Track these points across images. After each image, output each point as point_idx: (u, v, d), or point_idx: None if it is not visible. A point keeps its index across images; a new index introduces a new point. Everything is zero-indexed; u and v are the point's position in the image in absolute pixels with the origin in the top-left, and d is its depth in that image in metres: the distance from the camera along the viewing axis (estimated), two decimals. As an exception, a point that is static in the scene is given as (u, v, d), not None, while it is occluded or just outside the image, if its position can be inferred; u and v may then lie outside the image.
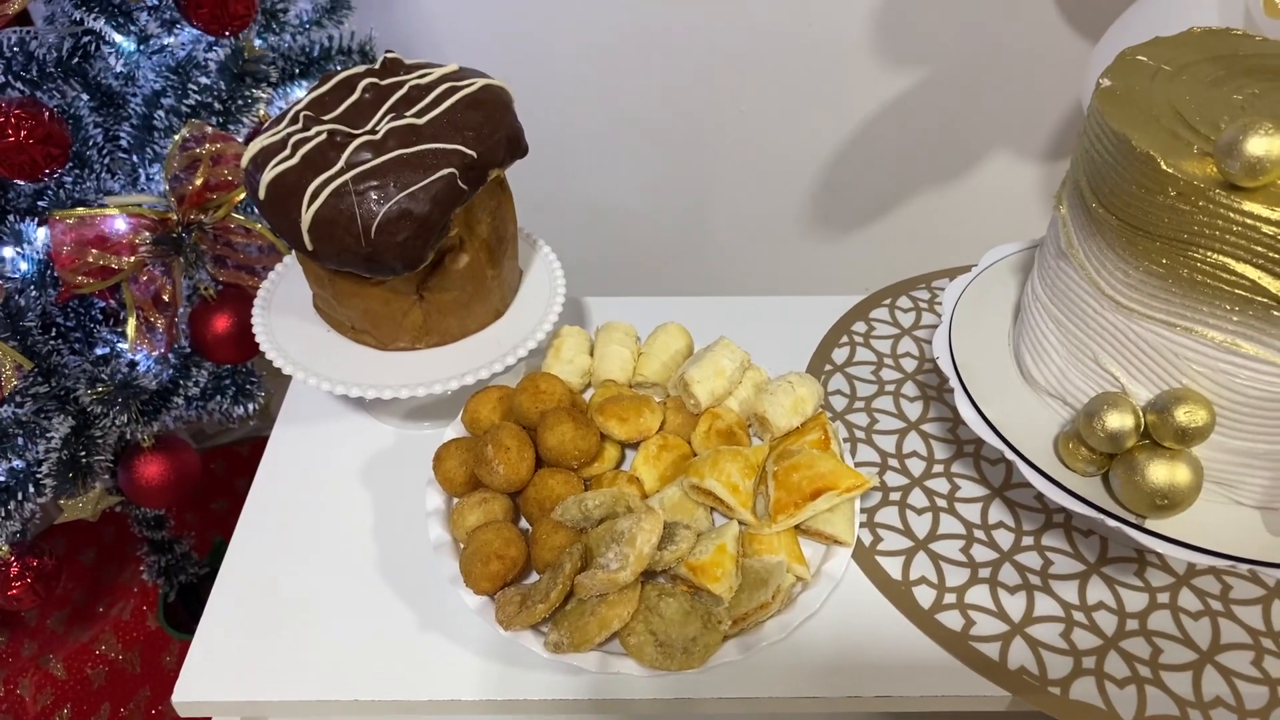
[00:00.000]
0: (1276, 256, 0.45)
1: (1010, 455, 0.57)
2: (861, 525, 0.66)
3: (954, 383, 0.61)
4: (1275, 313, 0.46)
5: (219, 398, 1.03)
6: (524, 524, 0.64)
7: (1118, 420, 0.51)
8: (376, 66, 0.67)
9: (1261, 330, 0.48)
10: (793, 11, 1.42)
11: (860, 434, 0.74)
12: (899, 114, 1.55)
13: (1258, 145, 0.44)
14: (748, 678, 0.58)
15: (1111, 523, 0.53)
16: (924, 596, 0.62)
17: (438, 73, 0.65)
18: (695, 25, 1.46)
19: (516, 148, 0.65)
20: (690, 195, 1.65)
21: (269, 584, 0.64)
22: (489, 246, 0.66)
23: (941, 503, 0.68)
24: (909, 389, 0.77)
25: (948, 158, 1.51)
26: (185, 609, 1.35)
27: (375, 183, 0.58)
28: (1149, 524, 0.53)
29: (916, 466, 0.71)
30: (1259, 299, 0.46)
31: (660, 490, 0.63)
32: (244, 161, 0.62)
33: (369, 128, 0.62)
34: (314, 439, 0.74)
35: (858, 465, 0.71)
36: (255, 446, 1.61)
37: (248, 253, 0.95)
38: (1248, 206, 0.45)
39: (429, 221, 0.59)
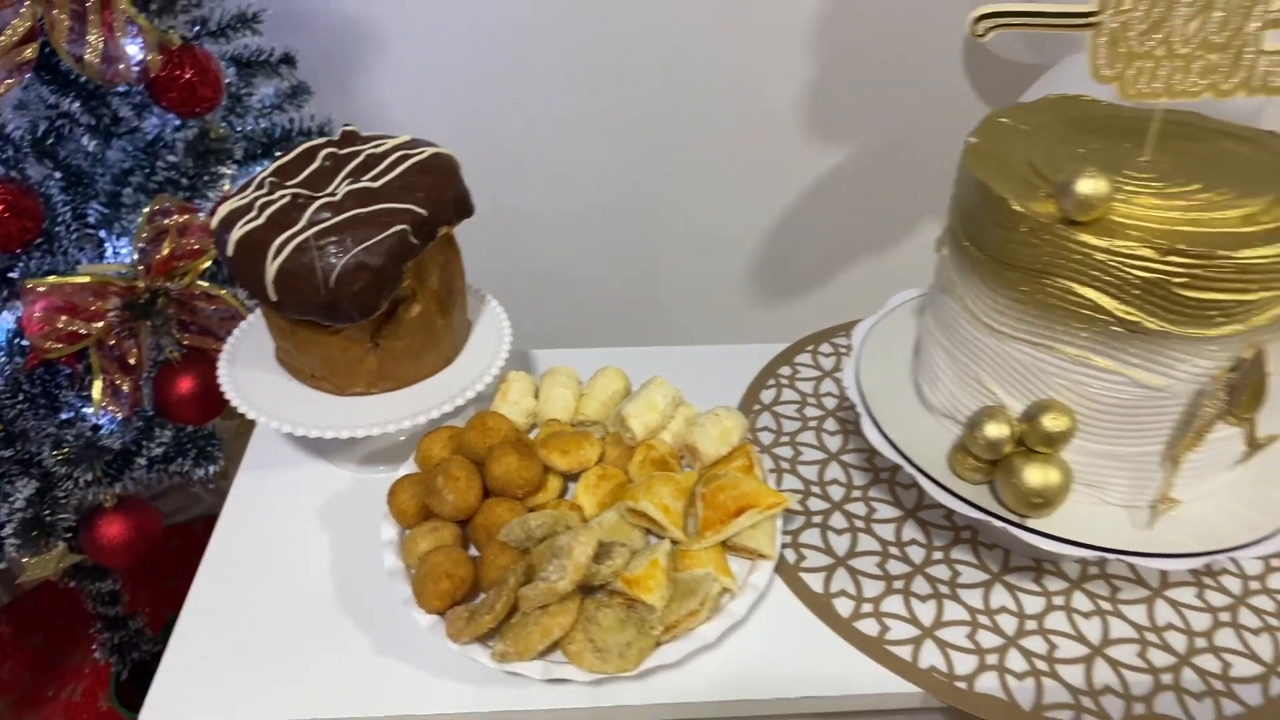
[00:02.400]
0: (1109, 279, 0.53)
1: (909, 469, 0.64)
2: (786, 546, 0.72)
3: (860, 409, 0.68)
4: (1115, 329, 0.54)
5: (180, 459, 1.06)
6: (474, 552, 0.69)
7: (995, 430, 0.58)
8: (336, 138, 0.74)
9: (1107, 344, 0.55)
10: (733, 93, 1.54)
11: (785, 465, 0.80)
12: (829, 185, 1.66)
13: (1085, 186, 0.52)
14: (682, 685, 0.62)
15: (997, 523, 0.60)
16: (843, 607, 0.68)
17: (391, 143, 0.72)
18: (642, 106, 1.57)
19: (464, 208, 0.72)
20: (638, 261, 1.74)
21: (232, 619, 0.67)
22: (439, 297, 0.72)
23: (859, 524, 0.74)
24: (830, 424, 0.84)
25: (872, 223, 1.62)
26: (137, 688, 1.35)
27: (334, 238, 0.65)
28: (1029, 523, 0.59)
29: (837, 492, 0.77)
30: (1100, 317, 0.54)
31: (599, 515, 0.68)
32: (214, 223, 0.68)
33: (329, 191, 0.68)
34: (275, 485, 0.78)
35: (783, 492, 0.77)
36: (211, 524, 1.63)
37: (211, 317, 1.00)
38: (1082, 238, 0.53)
39: (383, 273, 0.65)
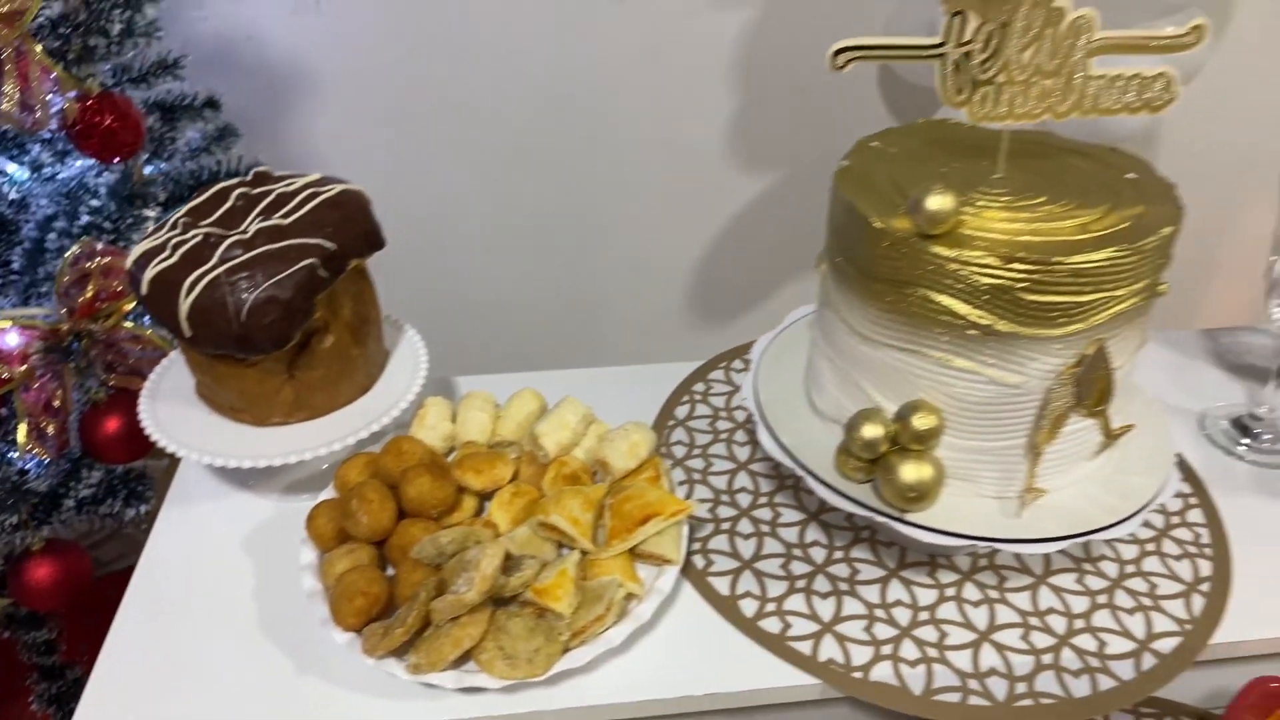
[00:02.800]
0: (961, 287, 0.58)
1: (800, 471, 0.68)
2: (696, 552, 0.75)
3: (756, 417, 0.72)
4: (970, 332, 0.59)
5: (110, 500, 1.07)
6: (392, 571, 0.71)
7: (871, 430, 0.63)
8: (249, 178, 0.76)
9: (965, 347, 0.60)
10: (660, 123, 1.59)
11: (697, 476, 0.83)
12: (758, 208, 1.72)
13: (933, 203, 0.57)
14: (593, 688, 0.65)
15: (879, 518, 0.64)
16: (748, 608, 0.71)
17: (301, 181, 0.75)
18: (572, 138, 1.62)
19: (374, 241, 0.75)
20: (574, 288, 1.78)
21: (155, 652, 0.69)
22: (352, 328, 0.75)
23: (765, 528, 0.78)
24: (740, 435, 0.88)
25: (798, 243, 1.68)
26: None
27: (245, 274, 0.67)
28: (909, 516, 0.63)
29: (745, 500, 0.81)
30: (957, 322, 0.59)
31: (513, 530, 0.71)
32: (128, 263, 0.70)
33: (240, 229, 0.71)
34: (199, 518, 0.80)
35: (692, 500, 0.80)
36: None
37: (137, 357, 1.01)
38: (935, 250, 0.58)
39: (293, 305, 0.68)
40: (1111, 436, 0.65)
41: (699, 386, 0.95)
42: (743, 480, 0.83)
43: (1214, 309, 1.86)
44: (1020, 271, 0.56)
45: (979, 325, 0.58)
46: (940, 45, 0.60)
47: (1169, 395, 0.92)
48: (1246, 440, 0.85)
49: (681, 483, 0.82)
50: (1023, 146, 0.67)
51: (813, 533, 0.78)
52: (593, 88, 1.58)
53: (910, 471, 0.62)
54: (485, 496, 0.75)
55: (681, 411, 0.91)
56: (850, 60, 0.61)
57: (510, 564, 0.66)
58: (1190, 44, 0.57)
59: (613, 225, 1.72)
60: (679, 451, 0.86)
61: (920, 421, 0.61)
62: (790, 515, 0.79)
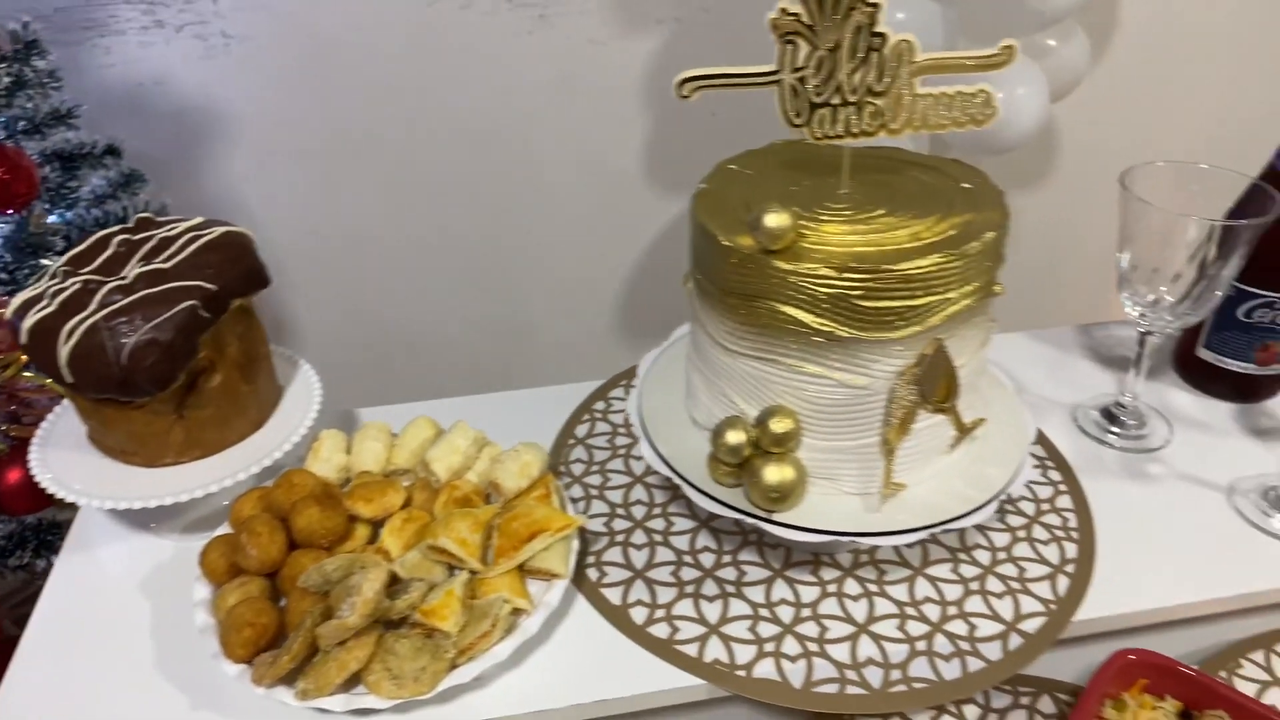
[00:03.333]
0: (804, 297, 0.61)
1: (676, 480, 0.70)
2: (589, 565, 0.77)
3: (638, 430, 0.75)
4: (816, 339, 0.62)
5: (19, 552, 1.06)
6: (285, 603, 0.72)
7: (734, 436, 0.66)
8: (131, 225, 0.78)
9: (813, 353, 0.63)
10: (577, 150, 1.63)
11: (594, 491, 0.86)
12: (676, 230, 1.76)
13: (770, 220, 0.60)
14: (484, 703, 0.67)
15: (748, 520, 0.67)
16: (639, 615, 0.74)
17: (184, 225, 0.77)
18: (489, 169, 1.65)
19: (257, 281, 0.77)
20: (500, 315, 1.80)
21: (51, 694, 0.69)
22: (240, 365, 0.76)
23: (658, 538, 0.81)
24: (637, 450, 0.90)
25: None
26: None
27: (124, 318, 0.69)
28: (775, 516, 0.66)
29: (639, 511, 0.83)
30: (803, 330, 0.62)
31: (404, 555, 0.73)
32: (8, 313, 0.71)
33: (120, 275, 0.72)
34: (98, 561, 0.80)
35: (591, 517, 0.82)
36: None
37: (43, 406, 1.01)
38: (777, 264, 0.61)
39: (174, 347, 0.69)
40: (964, 430, 0.69)
41: (599, 405, 0.97)
42: (639, 493, 0.86)
43: (1093, 304, 1.94)
44: (854, 280, 0.60)
45: (822, 332, 0.62)
46: (776, 72, 0.64)
47: (1047, 389, 0.97)
48: (1115, 429, 0.90)
49: (578, 499, 0.85)
50: (870, 162, 0.72)
51: (703, 539, 0.80)
52: (508, 117, 1.62)
53: (772, 473, 0.65)
54: (379, 524, 0.77)
55: (582, 430, 0.94)
56: (695, 89, 0.65)
57: (398, 587, 0.68)
58: (1001, 63, 0.62)
59: (535, 251, 1.75)
60: (577, 469, 0.89)
61: (777, 425, 0.65)
62: (682, 524, 0.82)
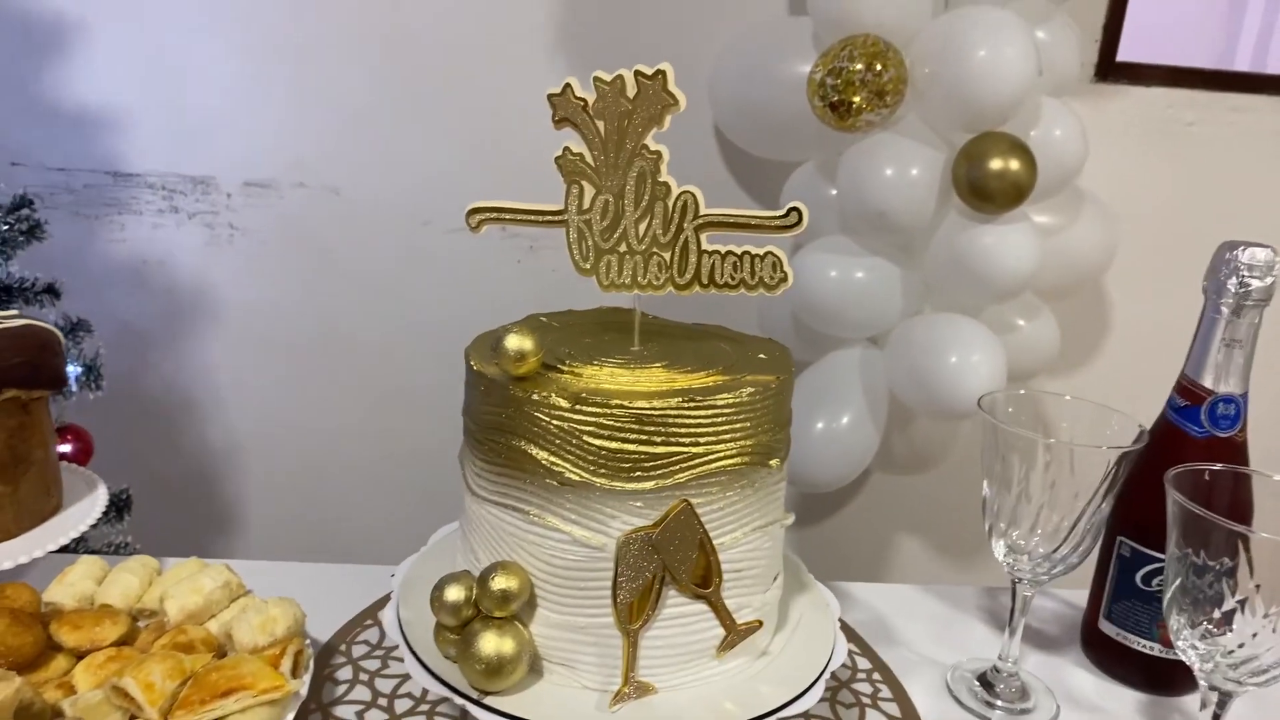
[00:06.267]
0: (537, 430, 0.55)
1: (403, 648, 0.60)
2: (314, 752, 0.65)
3: (395, 593, 0.66)
4: (548, 480, 0.55)
5: None
6: (-63, 731, 0.62)
7: (454, 592, 0.57)
8: (-47, 311, 0.77)
9: (549, 500, 0.56)
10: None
11: (365, 676, 0.75)
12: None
13: (511, 341, 0.56)
14: None
15: (457, 699, 0.56)
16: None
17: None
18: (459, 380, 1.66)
19: (45, 378, 0.74)
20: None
21: None
22: (1, 463, 0.72)
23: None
24: (433, 640, 0.80)
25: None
26: None
27: (-124, 383, 0.66)
28: (487, 700, 0.55)
29: (403, 705, 0.72)
30: (537, 470, 0.55)
31: (87, 693, 0.63)
32: None
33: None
34: None
35: (345, 702, 0.71)
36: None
37: None
38: (514, 391, 0.56)
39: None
40: (733, 631, 0.58)
41: (422, 591, 0.88)
42: (412, 685, 0.74)
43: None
44: (586, 414, 0.53)
45: (552, 472, 0.55)
46: (561, 213, 0.62)
47: (924, 647, 0.84)
48: (991, 699, 0.76)
49: (344, 681, 0.74)
50: (679, 330, 0.68)
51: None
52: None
53: (489, 642, 0.55)
54: (84, 655, 0.67)
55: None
56: (482, 221, 0.63)
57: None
58: (789, 226, 0.59)
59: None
60: (359, 650, 0.78)
61: (499, 583, 0.55)
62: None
